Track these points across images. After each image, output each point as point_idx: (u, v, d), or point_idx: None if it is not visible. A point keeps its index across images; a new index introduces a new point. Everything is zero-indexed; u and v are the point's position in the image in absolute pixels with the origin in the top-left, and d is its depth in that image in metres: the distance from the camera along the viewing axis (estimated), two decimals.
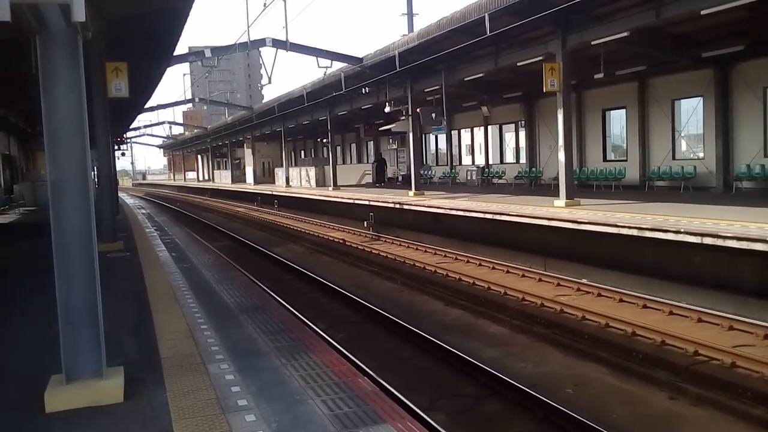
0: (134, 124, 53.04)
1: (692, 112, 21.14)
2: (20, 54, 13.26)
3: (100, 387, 5.01)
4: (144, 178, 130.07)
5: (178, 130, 78.94)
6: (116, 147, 38.39)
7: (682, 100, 21.42)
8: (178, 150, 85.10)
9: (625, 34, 15.03)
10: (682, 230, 11.32)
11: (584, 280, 13.13)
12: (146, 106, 35.59)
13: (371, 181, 38.95)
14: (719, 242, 10.62)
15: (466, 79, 22.07)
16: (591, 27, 15.82)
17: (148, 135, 71.05)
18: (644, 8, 14.28)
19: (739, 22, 15.84)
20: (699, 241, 10.95)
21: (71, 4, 4.36)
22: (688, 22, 15.82)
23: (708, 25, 16.18)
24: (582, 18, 15.86)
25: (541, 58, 17.47)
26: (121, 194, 48.64)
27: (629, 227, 12.46)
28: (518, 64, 19.00)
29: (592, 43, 16.07)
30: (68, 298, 5.01)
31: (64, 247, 5.00)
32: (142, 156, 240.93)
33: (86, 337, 5.04)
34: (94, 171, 30.73)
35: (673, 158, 21.57)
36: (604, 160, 24.73)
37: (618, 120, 24.57)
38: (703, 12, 13.24)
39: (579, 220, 13.92)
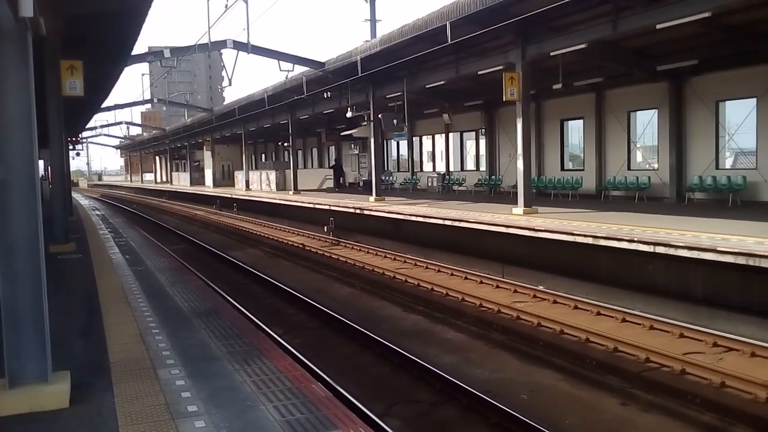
0: (91, 124, 51.98)
1: (647, 124, 21.62)
2: None
3: (45, 392, 4.86)
4: (100, 179, 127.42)
5: (135, 130, 77.63)
6: (71, 147, 37.49)
7: (638, 112, 21.91)
8: (135, 151, 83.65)
9: (583, 46, 15.28)
10: (635, 239, 11.53)
11: (541, 287, 13.28)
12: (103, 105, 34.88)
13: (332, 185, 38.89)
14: (671, 251, 10.85)
15: (427, 86, 22.21)
16: (550, 38, 16.07)
17: (104, 135, 69.65)
18: (601, 21, 14.55)
19: (693, 37, 16.26)
20: (652, 250, 11.17)
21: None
22: (643, 35, 16.17)
23: (663, 40, 16.57)
24: (541, 29, 16.10)
25: (501, 67, 17.66)
26: (75, 195, 47.54)
27: (585, 235, 12.65)
28: (479, 72, 19.17)
29: (551, 54, 16.31)
30: (12, 300, 4.86)
31: (9, 246, 4.85)
32: (99, 157, 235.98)
33: (31, 341, 4.89)
34: (47, 170, 29.93)
35: (629, 168, 22.02)
36: (562, 169, 25.11)
37: (576, 130, 25.00)
38: (658, 26, 13.54)
39: (536, 227, 14.08)
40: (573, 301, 11.99)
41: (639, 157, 22.41)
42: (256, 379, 5.43)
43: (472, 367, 9.25)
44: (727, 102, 18.92)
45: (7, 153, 4.83)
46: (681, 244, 10.72)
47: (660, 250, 11.03)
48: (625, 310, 11.14)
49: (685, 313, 10.83)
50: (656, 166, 21.22)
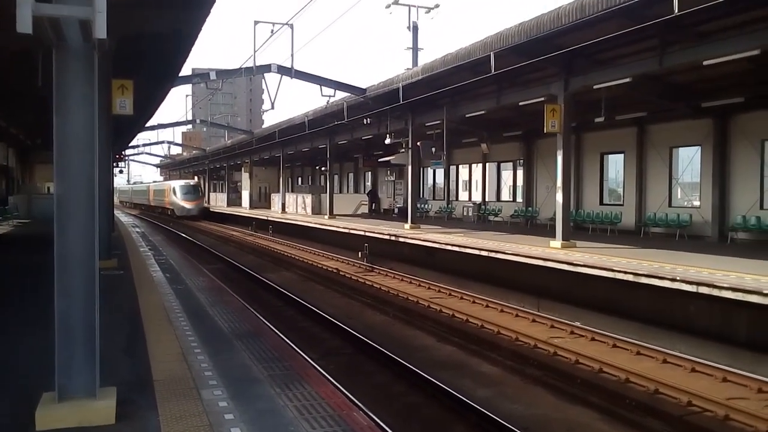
0: (133, 142, 53.13)
1: (690, 161, 21.32)
2: (27, 67, 13.35)
3: (93, 407, 4.93)
4: None
5: (176, 150, 79.08)
6: (115, 164, 38.35)
7: (681, 148, 21.63)
8: (175, 170, 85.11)
9: (627, 80, 15.22)
10: (678, 278, 11.33)
11: (577, 323, 13.10)
12: (147, 124, 35.67)
13: (367, 211, 39.01)
14: (715, 292, 10.63)
15: (467, 115, 22.25)
16: (594, 71, 16.02)
17: (146, 153, 71.04)
18: (647, 56, 14.47)
19: (740, 75, 16.07)
20: (694, 290, 10.96)
21: (93, 21, 4.39)
22: (689, 71, 16.03)
23: (709, 76, 16.40)
24: (585, 62, 16.08)
25: (543, 98, 17.64)
26: (116, 212, 48.43)
27: (625, 272, 12.47)
28: (520, 103, 19.17)
29: (594, 87, 16.26)
30: (66, 314, 4.96)
31: (65, 261, 4.96)
32: (139, 174, 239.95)
33: (82, 356, 4.98)
34: None
35: (669, 205, 21.70)
36: (601, 203, 24.84)
37: (615, 164, 24.75)
38: (705, 62, 13.44)
39: (575, 262, 13.93)
40: (612, 339, 11.79)
41: (680, 194, 22.09)
42: (298, 404, 5.44)
43: (508, 401, 9.14)
44: None
45: (69, 169, 4.96)
46: (725, 285, 10.50)
47: (703, 290, 10.81)
48: (666, 350, 10.91)
49: (726, 356, 10.58)
50: (698, 203, 20.88)
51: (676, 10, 11.22)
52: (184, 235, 36.35)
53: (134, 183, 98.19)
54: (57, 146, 4.97)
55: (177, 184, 57.47)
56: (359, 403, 7.61)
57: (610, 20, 12.86)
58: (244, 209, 50.32)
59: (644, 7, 12.11)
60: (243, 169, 52.66)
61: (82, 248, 5.02)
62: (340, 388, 8.19)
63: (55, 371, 4.94)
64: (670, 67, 14.49)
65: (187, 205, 54.62)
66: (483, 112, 21.33)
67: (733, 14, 12.29)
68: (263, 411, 5.23)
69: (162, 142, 62.41)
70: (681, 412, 8.41)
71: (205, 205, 57.97)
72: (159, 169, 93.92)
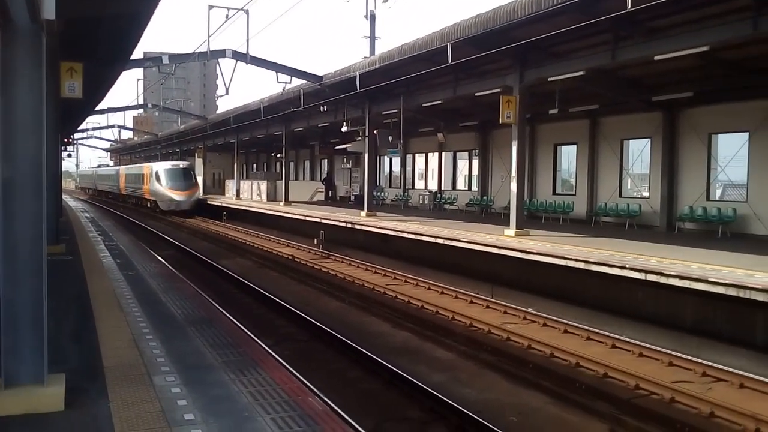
0: (82, 126, 51.75)
1: (640, 153, 21.84)
2: None
3: (41, 394, 4.84)
4: None
5: (127, 134, 77.31)
6: (63, 148, 37.31)
7: (631, 140, 22.13)
8: (125, 155, 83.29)
9: (580, 73, 15.47)
10: (627, 266, 11.62)
11: (530, 309, 13.33)
12: (97, 108, 34.77)
13: (323, 198, 38.89)
14: (662, 279, 10.94)
15: (424, 104, 22.34)
16: (548, 64, 16.24)
17: (95, 137, 69.29)
18: (600, 50, 14.73)
19: (690, 70, 16.50)
20: (643, 278, 11.26)
21: (41, 1, 4.26)
22: (641, 66, 16.38)
23: (659, 71, 16.79)
24: (540, 55, 16.27)
25: (498, 90, 17.82)
26: (64, 196, 47.23)
27: (576, 260, 12.73)
28: (476, 94, 19.33)
29: (549, 79, 16.49)
30: (12, 300, 4.84)
31: (12, 246, 4.84)
32: (88, 158, 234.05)
33: (29, 342, 4.87)
34: None
35: (620, 196, 22.19)
36: (554, 193, 25.26)
37: (568, 155, 25.19)
38: (656, 57, 13.75)
39: (528, 250, 14.16)
40: (563, 324, 12.04)
41: (630, 184, 22.61)
42: (252, 390, 5.42)
43: (462, 386, 9.26)
44: (719, 135, 19.16)
45: (15, 152, 4.83)
46: (672, 273, 10.82)
47: (651, 278, 11.12)
48: (615, 336, 11.19)
49: (673, 341, 10.91)
50: (647, 194, 21.42)
51: (629, 6, 11.43)
52: (135, 220, 35.66)
53: (98, 166, 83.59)
54: (2, 129, 4.83)
55: (161, 166, 42.92)
56: (314, 389, 7.62)
57: (564, 14, 13.04)
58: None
59: (597, 2, 12.32)
60: (196, 154, 51.79)
61: (28, 233, 4.90)
62: (296, 373, 8.18)
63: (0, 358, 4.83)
64: (622, 62, 14.80)
65: (176, 195, 40.40)
66: (440, 101, 21.44)
67: (683, 11, 12.58)
68: (217, 397, 5.20)
69: (112, 126, 60.82)
70: (629, 395, 8.65)
71: (200, 196, 43.21)
72: (108, 153, 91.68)
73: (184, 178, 41.36)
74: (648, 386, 8.77)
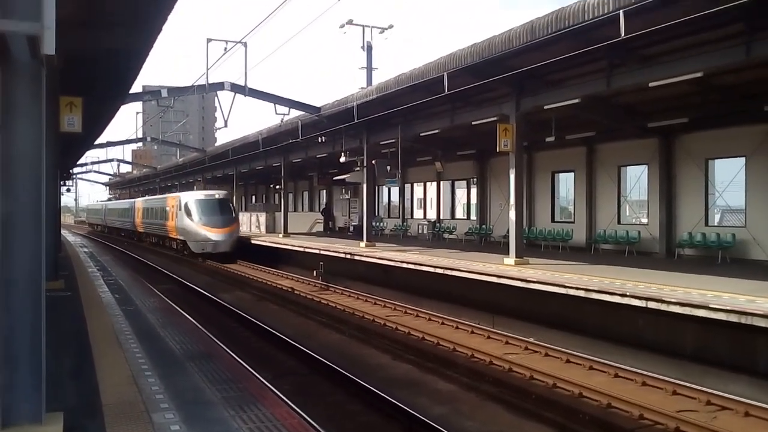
0: (81, 160, 51.93)
1: (637, 179, 21.92)
2: None
3: None
4: None
5: (126, 168, 77.52)
6: (62, 183, 37.30)
7: (628, 167, 22.23)
8: (125, 189, 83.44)
9: (576, 100, 15.60)
10: (627, 293, 11.58)
11: (532, 339, 13.23)
12: (96, 142, 34.93)
13: (322, 229, 38.88)
14: (663, 307, 10.89)
15: (421, 134, 22.46)
16: (544, 92, 16.38)
17: (94, 172, 69.51)
18: (596, 77, 14.87)
19: (685, 96, 16.63)
20: (644, 305, 11.21)
21: (41, 37, 4.30)
22: (636, 92, 16.51)
23: (655, 97, 16.92)
24: (536, 83, 16.42)
25: (495, 118, 17.94)
26: (62, 231, 47.18)
27: (576, 288, 12.69)
28: (473, 123, 19.45)
29: (545, 107, 16.61)
30: (11, 337, 4.79)
31: (10, 283, 4.81)
32: (87, 193, 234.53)
33: (26, 380, 4.81)
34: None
35: (619, 222, 22.21)
36: (552, 221, 25.29)
37: (566, 182, 25.28)
38: (650, 84, 13.87)
39: (528, 279, 14.11)
40: (565, 354, 11.93)
41: (629, 211, 22.65)
42: (252, 426, 5.36)
43: (464, 418, 9.15)
44: (716, 160, 19.26)
45: (15, 188, 4.83)
46: (673, 300, 10.77)
47: (652, 305, 11.07)
48: (618, 365, 11.09)
49: (675, 369, 10.81)
50: (646, 221, 21.44)
51: (623, 34, 11.56)
52: (133, 255, 35.56)
53: (109, 199, 75.89)
54: (2, 164, 4.83)
55: (191, 197, 34.61)
56: (315, 424, 7.53)
57: (559, 42, 13.19)
58: None
59: (592, 30, 12.46)
60: (195, 187, 51.88)
61: (27, 269, 4.88)
62: (296, 408, 8.10)
63: None
64: (617, 89, 14.93)
65: (213, 234, 32.04)
66: (437, 131, 21.57)
67: (676, 38, 12.72)
68: None
69: (111, 160, 61.03)
70: (633, 426, 8.55)
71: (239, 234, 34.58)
72: (107, 188, 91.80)
73: (222, 212, 33.01)
74: (652, 416, 8.67)
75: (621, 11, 11.38)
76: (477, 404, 9.84)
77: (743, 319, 9.66)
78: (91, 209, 73.98)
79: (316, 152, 30.36)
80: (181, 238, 34.56)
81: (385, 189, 37.67)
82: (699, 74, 12.87)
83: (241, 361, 9.58)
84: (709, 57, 12.46)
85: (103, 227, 66.56)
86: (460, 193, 32.08)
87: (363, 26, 30.24)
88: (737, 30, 11.78)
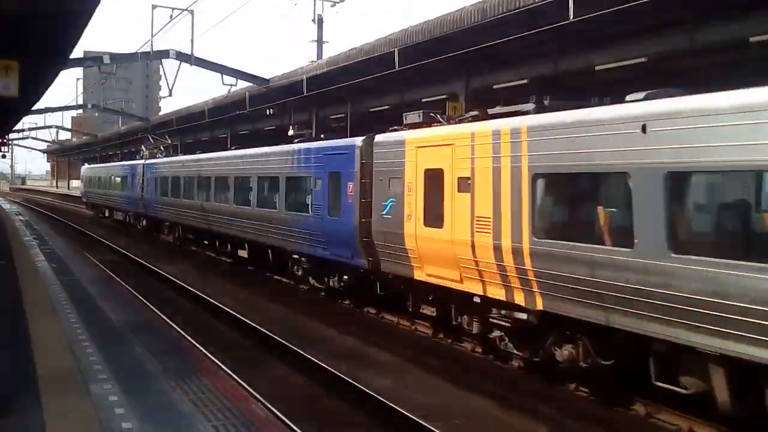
0: (18, 126, 50.01)
1: None
2: None
3: None
4: (23, 183, 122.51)
5: (65, 135, 75.09)
6: None
7: None
8: (63, 156, 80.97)
9: (524, 81, 15.75)
10: None
11: None
12: (34, 107, 33.65)
13: None
14: None
15: (372, 109, 22.37)
16: (493, 72, 16.49)
17: (32, 138, 67.14)
18: (543, 60, 15.05)
19: (630, 81, 16.90)
20: None
21: None
22: (583, 76, 16.75)
23: (602, 80, 17.19)
24: (485, 63, 16.50)
25: (445, 96, 17.98)
26: None
27: None
28: (423, 100, 19.45)
29: (494, 87, 16.71)
30: None
31: None
32: (24, 160, 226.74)
33: None
34: None
35: None
36: None
37: None
38: (597, 67, 14.11)
39: None
40: None
41: None
42: (194, 397, 5.32)
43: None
44: None
45: None
46: None
47: None
48: None
49: None
50: None
51: (571, 17, 11.71)
52: (72, 224, 34.59)
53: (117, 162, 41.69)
54: None
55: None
56: (257, 395, 7.52)
57: (509, 24, 13.26)
58: None
59: (542, 12, 12.57)
60: (137, 157, 50.66)
61: None
62: (238, 380, 8.07)
63: None
64: (565, 71, 15.12)
65: None
66: (387, 107, 21.50)
67: (622, 23, 12.95)
68: (157, 405, 5.08)
69: (50, 127, 58.96)
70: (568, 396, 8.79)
71: None
72: (46, 155, 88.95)
73: None
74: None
75: None
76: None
77: None
78: (91, 177, 41.33)
79: (264, 124, 29.97)
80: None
81: None
82: (643, 59, 13.16)
83: (183, 332, 9.47)
84: (654, 43, 12.75)
85: (96, 203, 39.77)
86: None
87: None
88: (681, 18, 12.06)
